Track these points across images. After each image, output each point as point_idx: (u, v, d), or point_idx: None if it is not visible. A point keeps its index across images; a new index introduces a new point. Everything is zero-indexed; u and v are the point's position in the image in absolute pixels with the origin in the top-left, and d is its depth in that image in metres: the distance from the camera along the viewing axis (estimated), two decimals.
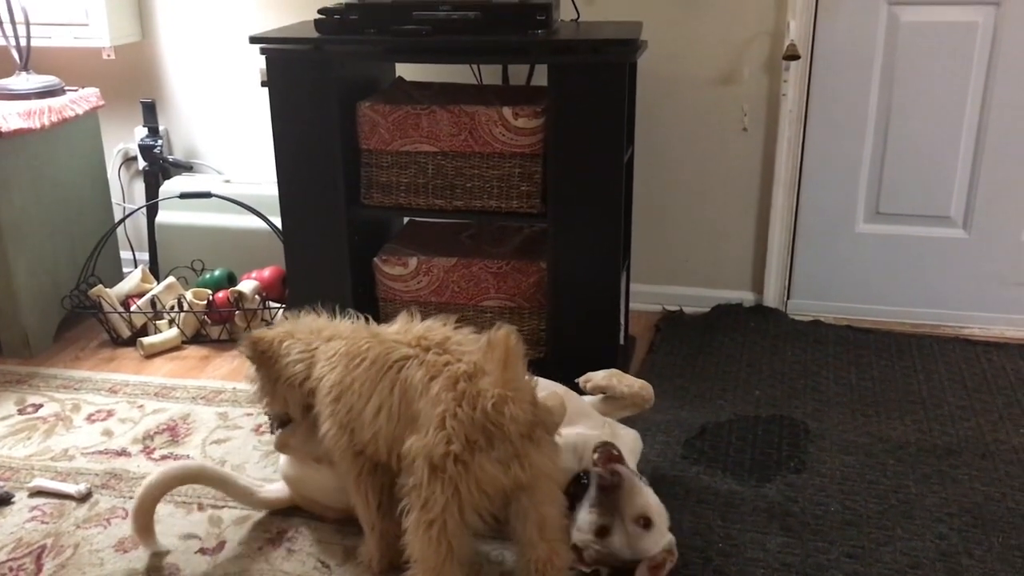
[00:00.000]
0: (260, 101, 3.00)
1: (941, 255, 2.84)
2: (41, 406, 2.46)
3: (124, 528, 1.94)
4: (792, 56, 2.67)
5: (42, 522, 1.97)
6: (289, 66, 2.44)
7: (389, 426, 1.60)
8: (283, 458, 1.98)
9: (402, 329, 1.71)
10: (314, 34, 2.42)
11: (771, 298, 2.96)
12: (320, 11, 2.41)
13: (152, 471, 2.11)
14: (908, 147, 2.78)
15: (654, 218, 2.96)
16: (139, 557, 1.86)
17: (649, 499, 1.75)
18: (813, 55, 2.75)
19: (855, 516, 1.93)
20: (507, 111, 2.39)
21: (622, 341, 2.62)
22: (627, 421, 2.07)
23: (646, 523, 1.71)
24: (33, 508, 2.02)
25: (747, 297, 2.99)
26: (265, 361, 1.81)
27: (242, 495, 1.96)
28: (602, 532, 1.71)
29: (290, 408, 1.82)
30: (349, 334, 1.76)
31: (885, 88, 2.74)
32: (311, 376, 1.74)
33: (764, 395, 2.44)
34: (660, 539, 1.72)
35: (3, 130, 2.56)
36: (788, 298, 2.97)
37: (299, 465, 1.95)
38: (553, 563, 1.60)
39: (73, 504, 2.03)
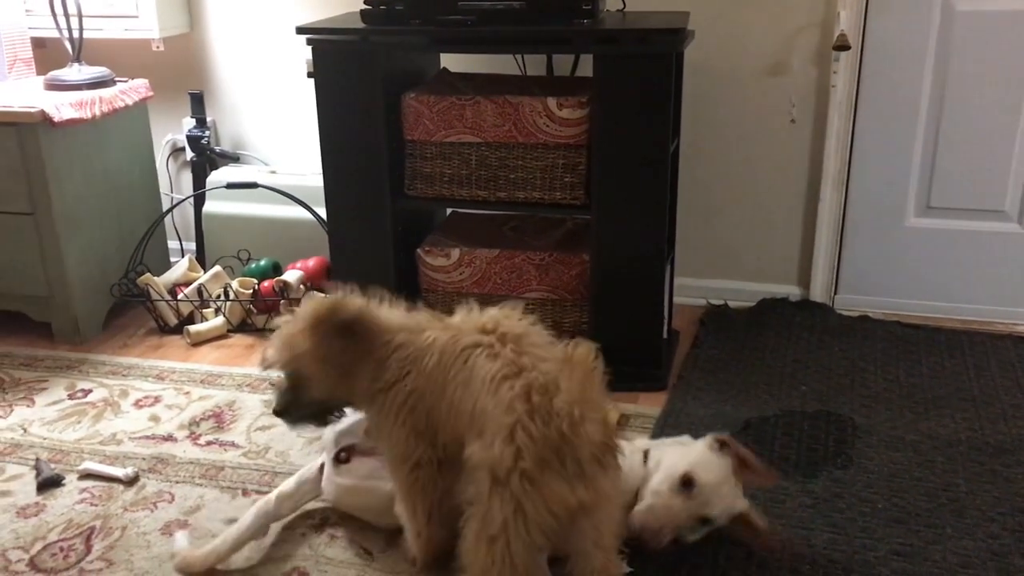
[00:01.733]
0: (306, 92, 3.02)
1: (995, 250, 2.78)
2: (90, 391, 2.50)
3: (170, 512, 1.97)
4: (842, 46, 2.63)
5: (91, 504, 2.01)
6: (335, 57, 2.46)
7: (454, 422, 1.53)
8: (327, 473, 1.88)
9: (471, 316, 1.62)
10: (360, 25, 2.43)
11: (818, 293, 2.91)
12: (366, 1, 2.42)
13: (198, 458, 2.14)
14: (961, 140, 2.72)
15: (699, 211, 2.93)
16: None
17: (673, 459, 1.76)
18: (864, 46, 2.70)
19: (903, 513, 1.89)
20: (551, 101, 2.38)
21: (666, 335, 2.60)
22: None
23: (686, 481, 1.71)
24: (83, 490, 2.06)
25: (793, 291, 2.95)
26: (343, 336, 1.62)
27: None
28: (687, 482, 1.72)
29: (353, 384, 1.65)
30: (418, 333, 1.62)
31: (938, 79, 2.68)
32: (383, 370, 1.62)
33: (810, 390, 2.41)
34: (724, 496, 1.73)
35: (56, 120, 2.60)
36: (835, 293, 2.93)
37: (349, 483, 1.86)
38: (609, 571, 1.54)
39: (121, 487, 2.06)
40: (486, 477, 1.44)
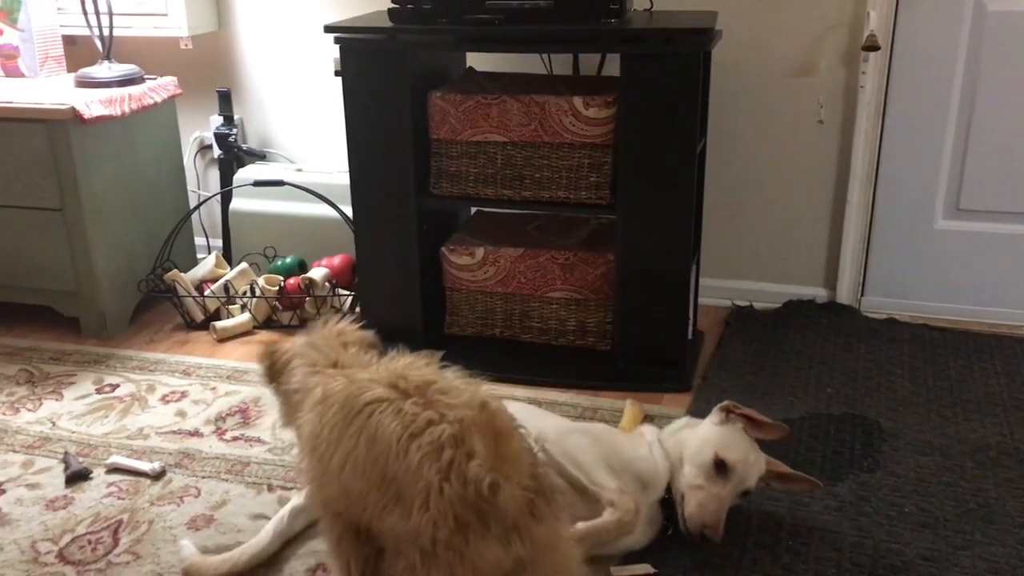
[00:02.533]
0: (333, 91, 3.04)
1: None
2: (118, 386, 2.53)
3: (196, 506, 1.98)
4: (871, 47, 2.60)
5: (119, 498, 2.02)
6: (363, 55, 2.46)
7: (359, 484, 1.38)
8: None
9: (380, 367, 1.50)
10: (388, 24, 2.44)
11: (844, 295, 2.89)
12: (394, 0, 2.42)
13: (224, 453, 2.15)
14: (992, 142, 2.69)
15: (725, 211, 2.92)
16: (210, 535, 1.89)
17: (693, 446, 1.79)
18: (893, 46, 2.67)
19: (931, 518, 1.88)
20: (578, 101, 2.38)
21: (690, 336, 2.59)
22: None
23: (719, 465, 1.74)
24: (110, 484, 2.07)
25: (820, 293, 2.93)
26: (273, 376, 1.66)
27: None
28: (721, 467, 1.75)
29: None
30: (332, 377, 1.52)
31: (969, 80, 2.66)
32: (298, 415, 1.56)
33: (836, 393, 2.39)
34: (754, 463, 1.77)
35: (86, 116, 2.63)
36: (862, 295, 2.90)
37: None
38: None
39: (148, 481, 2.08)
40: (413, 551, 1.32)
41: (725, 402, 1.86)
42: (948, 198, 2.77)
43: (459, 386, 1.41)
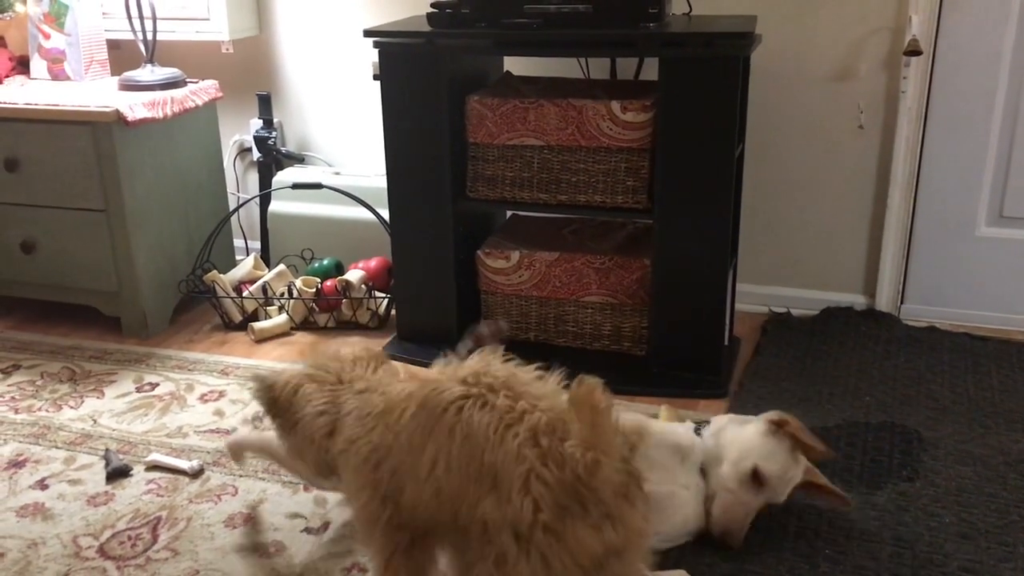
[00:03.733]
0: (371, 95, 3.06)
1: None
2: (157, 385, 2.56)
3: (234, 504, 2.01)
4: (914, 52, 2.58)
5: (157, 495, 2.05)
6: (401, 60, 2.48)
7: (452, 480, 1.37)
8: None
9: (448, 369, 1.47)
10: (426, 28, 2.45)
11: (884, 302, 2.86)
12: (433, 4, 2.44)
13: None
14: None
15: (763, 217, 2.90)
16: (247, 533, 1.91)
17: (735, 450, 1.77)
18: (936, 51, 2.64)
19: (972, 529, 1.85)
20: (615, 105, 2.37)
21: (727, 342, 2.58)
22: None
23: (756, 475, 1.74)
24: (150, 481, 2.10)
25: (858, 300, 2.90)
26: (278, 409, 1.62)
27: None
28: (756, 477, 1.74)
29: (307, 464, 1.62)
30: (386, 387, 1.52)
31: (1014, 85, 2.62)
32: (336, 434, 1.53)
33: (875, 401, 2.36)
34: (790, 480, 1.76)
35: (129, 119, 2.67)
36: (902, 303, 2.87)
37: None
38: None
39: (186, 479, 2.11)
40: (508, 536, 1.30)
41: (777, 415, 1.81)
42: (991, 205, 2.73)
43: (539, 376, 1.43)
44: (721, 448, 1.82)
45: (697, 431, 1.90)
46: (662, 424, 1.94)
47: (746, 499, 1.75)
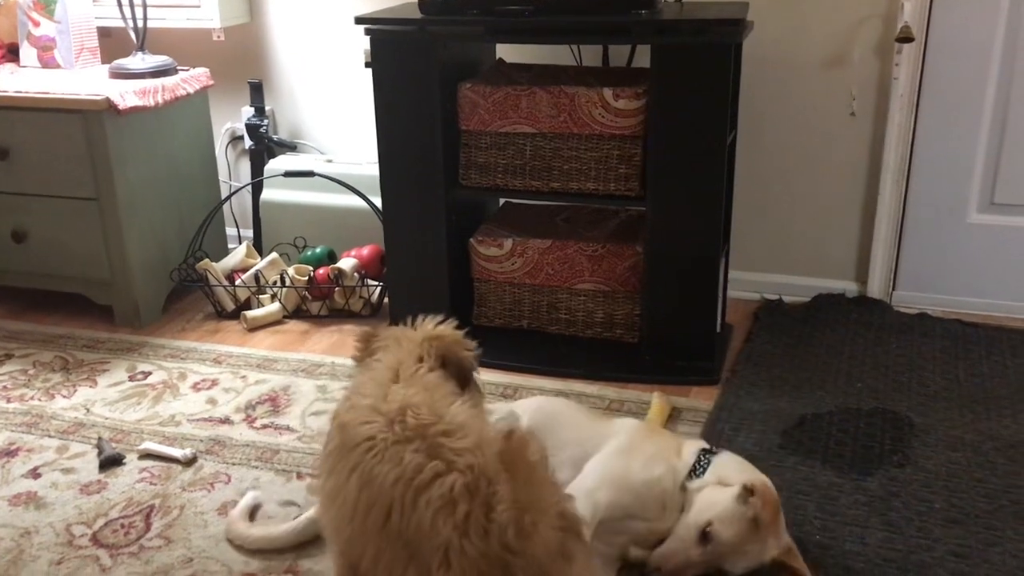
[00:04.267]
0: (363, 82, 3.05)
1: None
2: (150, 373, 2.56)
3: (227, 492, 2.01)
4: (906, 38, 2.58)
5: (151, 483, 2.05)
6: (393, 47, 2.47)
7: (357, 526, 1.28)
8: None
9: (383, 390, 1.38)
10: (418, 15, 2.45)
11: (875, 289, 2.87)
12: None
13: (254, 440, 2.17)
14: None
15: (755, 204, 2.90)
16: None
17: (703, 503, 1.68)
18: (928, 38, 2.64)
19: (962, 514, 1.86)
20: (607, 92, 2.37)
21: (719, 329, 2.58)
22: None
23: (705, 532, 1.64)
24: (143, 470, 2.11)
25: (850, 287, 2.91)
26: (359, 362, 1.58)
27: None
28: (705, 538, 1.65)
29: None
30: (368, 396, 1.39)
31: (1005, 72, 2.62)
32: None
33: (867, 387, 2.37)
34: (745, 553, 1.65)
35: (120, 107, 2.66)
36: (893, 289, 2.88)
37: None
38: None
39: (179, 468, 2.11)
40: None
41: (752, 483, 1.68)
42: (982, 191, 2.74)
43: (465, 424, 1.29)
44: (695, 501, 1.72)
45: (706, 454, 1.79)
46: (652, 472, 1.77)
47: (690, 551, 1.66)
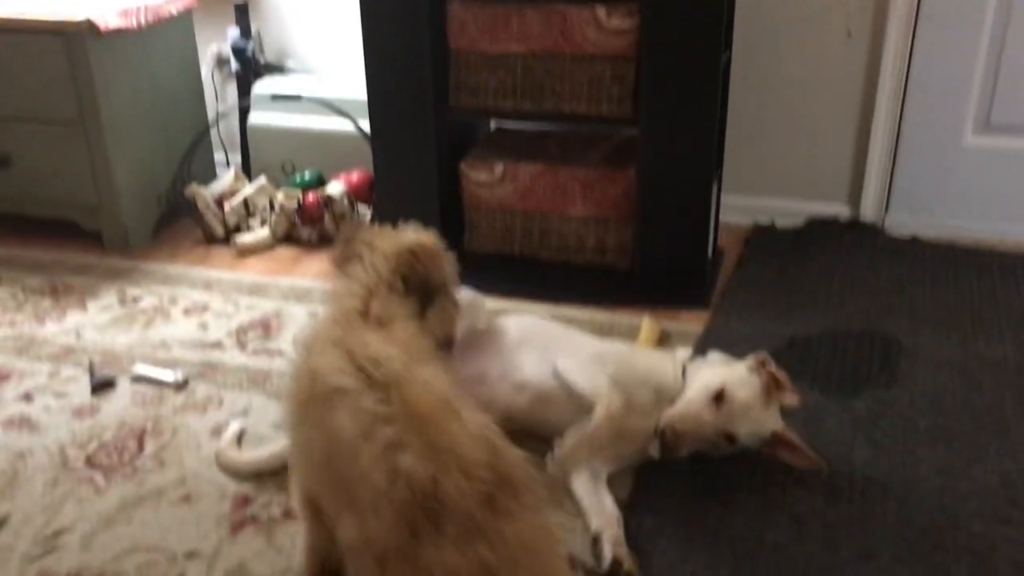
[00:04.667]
0: (350, 2, 2.98)
1: None
2: (141, 298, 2.56)
3: (219, 415, 2.02)
4: None
5: (143, 407, 2.07)
6: None
7: (318, 475, 1.32)
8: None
9: (357, 333, 1.36)
10: None
11: (868, 213, 2.86)
12: None
13: (246, 364, 2.18)
14: None
15: (749, 126, 2.87)
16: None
17: (712, 373, 1.75)
18: None
19: (946, 433, 1.88)
20: (600, 10, 2.32)
21: (710, 254, 2.58)
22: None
23: (719, 394, 1.70)
24: (135, 393, 2.12)
25: (843, 211, 2.89)
26: (338, 267, 1.56)
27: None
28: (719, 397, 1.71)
29: None
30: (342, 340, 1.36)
31: None
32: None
33: (856, 310, 2.38)
34: (752, 418, 1.72)
35: (102, 28, 2.60)
36: (886, 213, 2.86)
37: None
38: None
39: (171, 391, 2.12)
40: (368, 560, 1.21)
41: (762, 355, 1.77)
42: (979, 113, 2.71)
43: (423, 379, 1.28)
44: (701, 376, 1.78)
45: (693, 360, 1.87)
46: (650, 361, 1.89)
47: (700, 412, 1.70)
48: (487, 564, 1.17)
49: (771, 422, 1.75)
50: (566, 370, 1.82)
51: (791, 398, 1.77)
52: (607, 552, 1.56)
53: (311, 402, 1.33)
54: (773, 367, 1.76)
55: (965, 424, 1.91)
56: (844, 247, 2.73)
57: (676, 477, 1.76)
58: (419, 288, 1.50)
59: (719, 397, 1.71)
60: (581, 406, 1.78)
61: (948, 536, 1.61)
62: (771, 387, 1.74)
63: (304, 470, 1.38)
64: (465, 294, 1.87)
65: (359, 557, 1.24)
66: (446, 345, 1.57)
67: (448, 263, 1.58)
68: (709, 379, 1.75)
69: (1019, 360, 2.13)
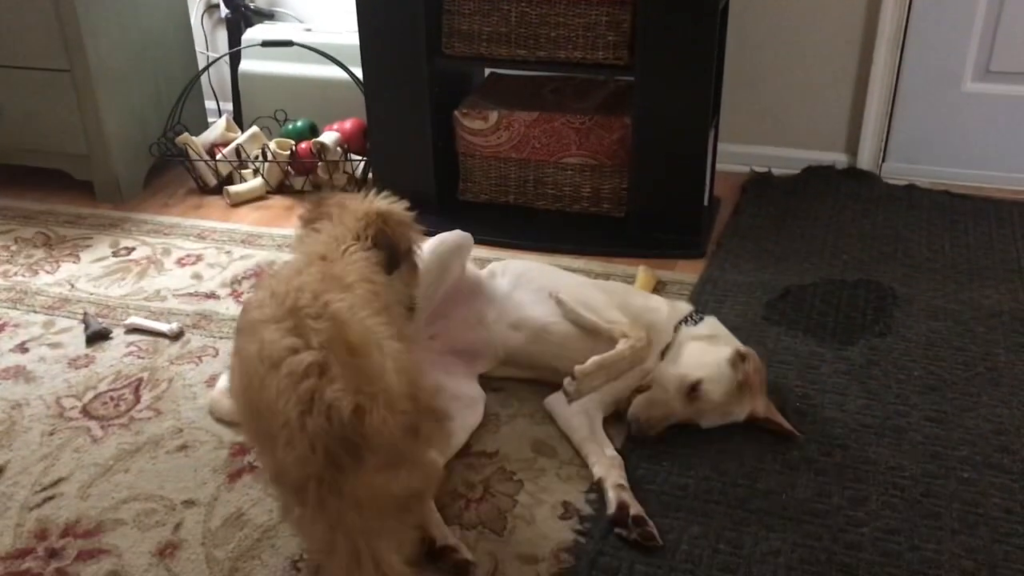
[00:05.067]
0: None
1: None
2: (134, 249, 2.54)
3: (215, 366, 2.02)
4: None
5: (138, 357, 2.07)
6: None
7: (240, 405, 1.31)
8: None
9: (297, 275, 1.34)
10: None
11: (865, 160, 2.84)
12: None
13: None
14: None
15: (746, 73, 2.84)
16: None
17: (693, 360, 1.73)
18: None
19: (939, 381, 1.89)
20: None
21: (707, 202, 2.56)
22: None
23: (694, 388, 1.70)
24: (130, 344, 2.11)
25: (840, 159, 2.88)
26: (305, 226, 1.56)
27: None
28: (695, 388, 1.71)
29: None
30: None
31: None
32: None
33: (852, 259, 2.38)
34: (723, 414, 1.72)
35: None
36: (883, 160, 2.85)
37: None
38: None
39: (166, 341, 2.12)
40: (287, 492, 1.23)
41: (748, 350, 1.75)
42: (979, 59, 2.68)
43: (358, 315, 1.26)
44: (683, 353, 1.77)
45: (690, 319, 1.86)
46: (647, 302, 1.90)
47: (674, 404, 1.71)
48: (413, 487, 1.21)
49: (741, 413, 1.73)
50: (598, 307, 1.83)
51: (759, 406, 1.74)
52: (612, 497, 1.57)
53: (238, 334, 1.34)
54: (752, 368, 1.72)
55: (958, 372, 1.92)
56: (841, 195, 2.71)
57: (670, 426, 1.77)
58: (386, 249, 1.50)
59: (693, 390, 1.70)
60: (581, 341, 1.80)
61: (939, 483, 1.63)
62: (746, 385, 1.72)
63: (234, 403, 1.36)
64: (451, 237, 1.88)
65: (276, 487, 1.26)
66: (408, 308, 1.56)
67: (415, 232, 1.57)
68: (690, 367, 1.73)
69: (1013, 308, 2.14)
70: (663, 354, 1.81)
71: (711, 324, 1.87)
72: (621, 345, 1.75)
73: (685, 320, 1.86)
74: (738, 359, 1.73)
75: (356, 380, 1.15)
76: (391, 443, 1.16)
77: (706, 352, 1.76)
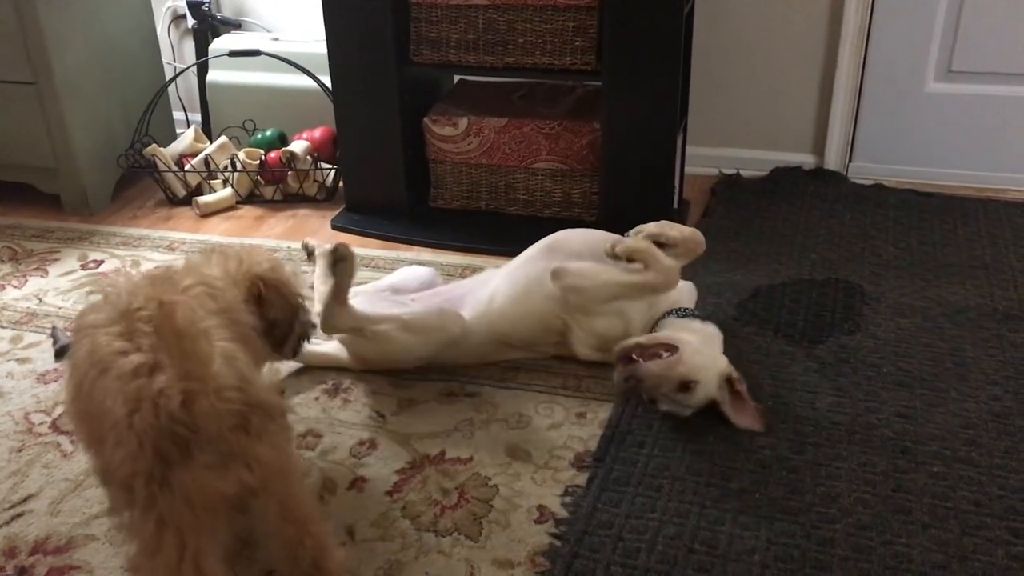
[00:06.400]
0: None
1: (1016, 115, 2.71)
2: (102, 262, 2.52)
3: None
4: None
5: None
6: None
7: (70, 414, 1.32)
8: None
9: (131, 285, 1.34)
10: None
11: (832, 161, 2.87)
12: None
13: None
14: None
15: (713, 77, 2.86)
16: None
17: (691, 361, 1.75)
18: None
19: (908, 378, 1.91)
20: None
21: (676, 205, 2.58)
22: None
23: (686, 386, 1.73)
24: None
25: (807, 160, 2.91)
26: None
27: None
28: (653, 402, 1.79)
29: None
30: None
31: None
32: None
33: (820, 259, 2.40)
34: (712, 383, 1.76)
35: None
36: (850, 161, 2.88)
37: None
38: (304, 544, 1.32)
39: None
40: (116, 492, 1.21)
41: (735, 375, 1.79)
42: (940, 60, 2.72)
43: (164, 300, 1.21)
44: (687, 330, 1.83)
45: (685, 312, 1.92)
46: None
47: (662, 386, 1.73)
48: (246, 484, 1.20)
49: (690, 409, 1.78)
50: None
51: (750, 422, 1.78)
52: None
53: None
54: (743, 388, 1.79)
55: (926, 368, 1.94)
56: (809, 196, 2.74)
57: (644, 427, 1.78)
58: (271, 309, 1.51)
59: (687, 388, 1.74)
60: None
61: (910, 478, 1.64)
62: (723, 401, 1.78)
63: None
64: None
65: (105, 488, 1.25)
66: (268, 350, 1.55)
67: (298, 297, 1.59)
68: (694, 369, 1.75)
69: (979, 304, 2.17)
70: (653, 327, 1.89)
71: (706, 333, 1.87)
72: (645, 272, 1.89)
73: (676, 312, 1.91)
74: (727, 384, 1.78)
75: (183, 364, 1.13)
76: (220, 435, 1.16)
77: (708, 356, 1.80)
